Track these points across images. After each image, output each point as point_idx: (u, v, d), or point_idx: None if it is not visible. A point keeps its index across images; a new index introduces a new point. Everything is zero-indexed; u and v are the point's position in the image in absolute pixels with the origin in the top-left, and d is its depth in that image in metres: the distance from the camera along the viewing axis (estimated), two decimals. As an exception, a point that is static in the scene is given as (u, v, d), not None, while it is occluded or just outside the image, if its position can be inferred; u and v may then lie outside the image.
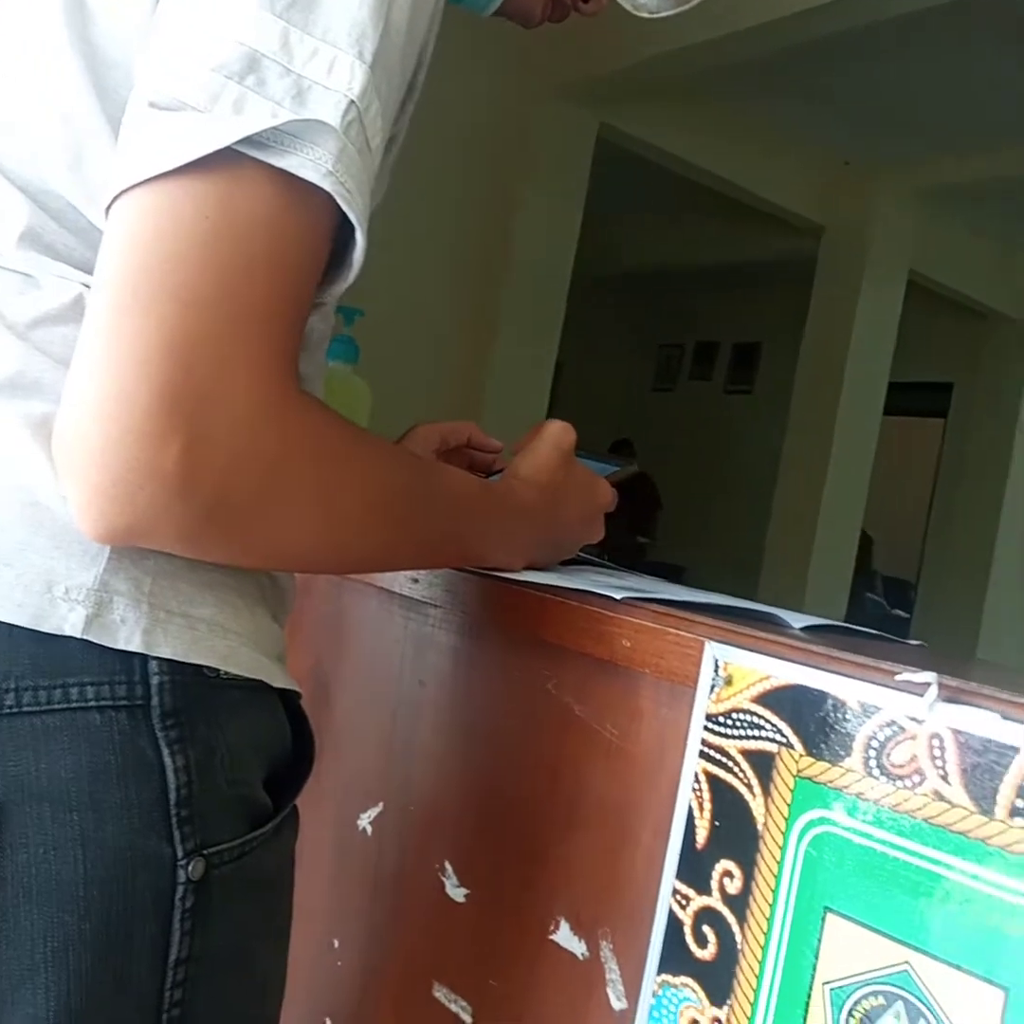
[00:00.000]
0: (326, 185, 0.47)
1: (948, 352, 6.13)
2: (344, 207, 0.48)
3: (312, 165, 0.47)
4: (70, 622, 0.50)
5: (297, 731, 0.63)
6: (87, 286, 0.53)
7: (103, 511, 0.45)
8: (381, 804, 0.87)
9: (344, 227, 0.50)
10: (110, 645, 0.50)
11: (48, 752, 0.49)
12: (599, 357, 7.46)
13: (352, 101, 0.48)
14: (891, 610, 6.63)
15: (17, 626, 0.49)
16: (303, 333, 0.51)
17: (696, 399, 7.41)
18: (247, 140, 0.46)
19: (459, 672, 0.83)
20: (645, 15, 0.85)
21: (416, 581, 0.85)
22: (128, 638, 0.51)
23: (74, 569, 0.50)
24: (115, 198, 0.47)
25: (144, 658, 0.51)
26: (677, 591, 0.79)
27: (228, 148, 0.45)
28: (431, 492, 0.61)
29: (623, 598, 0.66)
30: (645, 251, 6.54)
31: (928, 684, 0.49)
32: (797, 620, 0.69)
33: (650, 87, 4.06)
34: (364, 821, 0.88)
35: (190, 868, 0.52)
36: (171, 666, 0.52)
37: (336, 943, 0.90)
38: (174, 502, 0.45)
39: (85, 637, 0.50)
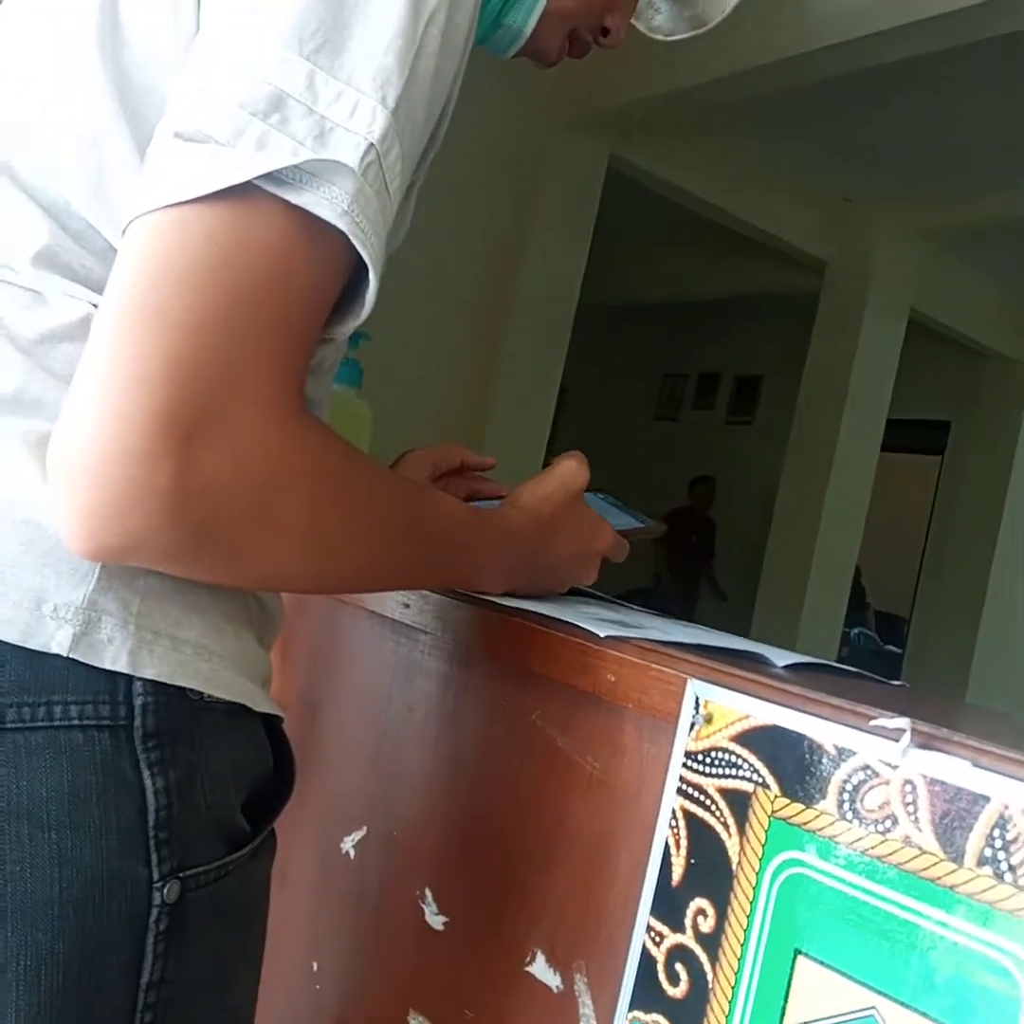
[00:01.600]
0: (341, 224, 0.48)
1: (947, 390, 6.16)
2: (357, 246, 0.49)
3: (328, 204, 0.48)
4: (57, 640, 0.50)
5: (279, 755, 0.64)
6: (96, 306, 0.54)
7: (93, 530, 0.46)
8: (365, 828, 0.87)
9: (359, 267, 0.51)
10: (96, 664, 0.51)
11: (29, 770, 0.50)
12: (603, 384, 7.50)
13: (372, 144, 0.49)
14: (884, 645, 6.63)
15: (4, 642, 0.50)
16: (311, 362, 0.52)
17: (698, 429, 7.44)
18: (266, 176, 0.47)
19: (447, 699, 0.84)
20: (660, 37, 0.86)
21: (407, 606, 0.86)
22: (114, 658, 0.51)
23: (64, 587, 0.51)
24: (132, 221, 0.48)
25: (129, 679, 0.52)
26: (665, 627, 0.80)
27: (247, 182, 0.46)
28: (420, 516, 0.62)
29: (606, 635, 0.67)
30: (651, 281, 6.58)
31: (902, 730, 0.50)
32: (781, 658, 0.70)
33: (660, 121, 4.10)
34: (347, 844, 0.88)
35: (165, 891, 0.52)
36: (155, 687, 0.53)
37: (315, 966, 0.90)
38: (167, 522, 0.45)
39: (72, 656, 0.50)
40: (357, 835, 0.88)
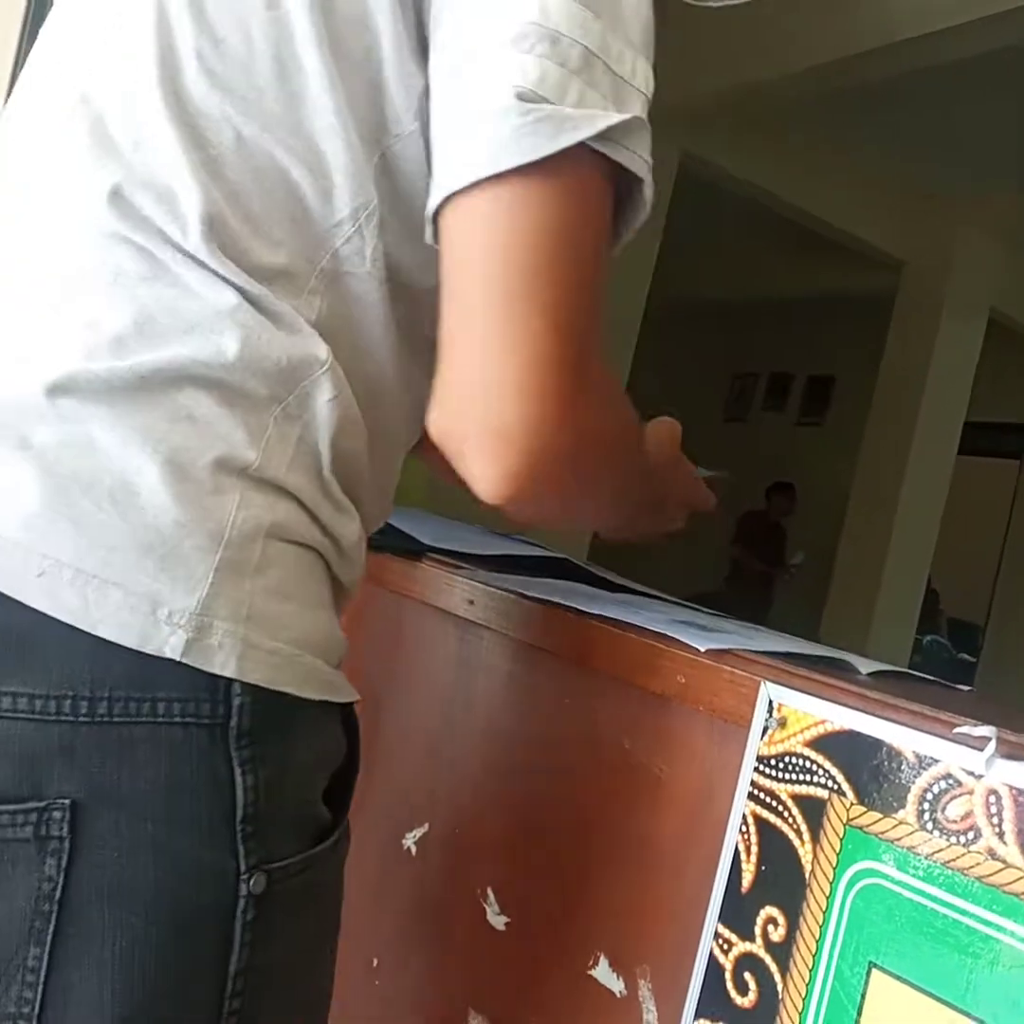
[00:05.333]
0: (647, 179, 0.53)
1: (1026, 393, 5.99)
2: (646, 195, 0.54)
3: (640, 161, 0.52)
4: (171, 645, 0.51)
5: (349, 738, 0.64)
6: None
7: (519, 488, 0.51)
8: (427, 825, 0.87)
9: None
10: (206, 669, 0.52)
11: (131, 762, 0.51)
12: (670, 385, 7.43)
13: (648, 99, 0.53)
14: (957, 653, 6.48)
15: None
16: None
17: (767, 430, 7.33)
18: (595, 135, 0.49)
19: (511, 697, 0.83)
20: (712, 5, 0.85)
21: (472, 603, 0.86)
22: (223, 664, 0.52)
23: (178, 593, 0.51)
24: (459, 191, 0.50)
25: (229, 680, 0.52)
26: (749, 634, 0.77)
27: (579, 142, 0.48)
28: (643, 470, 0.72)
29: (707, 649, 0.65)
30: (722, 279, 6.51)
31: (987, 738, 0.48)
32: (865, 665, 0.68)
33: (732, 118, 4.05)
34: (409, 841, 0.88)
35: (252, 882, 0.53)
36: (254, 689, 0.53)
37: (375, 962, 0.90)
38: (563, 469, 0.52)
39: (183, 661, 0.51)
40: (419, 832, 0.87)
